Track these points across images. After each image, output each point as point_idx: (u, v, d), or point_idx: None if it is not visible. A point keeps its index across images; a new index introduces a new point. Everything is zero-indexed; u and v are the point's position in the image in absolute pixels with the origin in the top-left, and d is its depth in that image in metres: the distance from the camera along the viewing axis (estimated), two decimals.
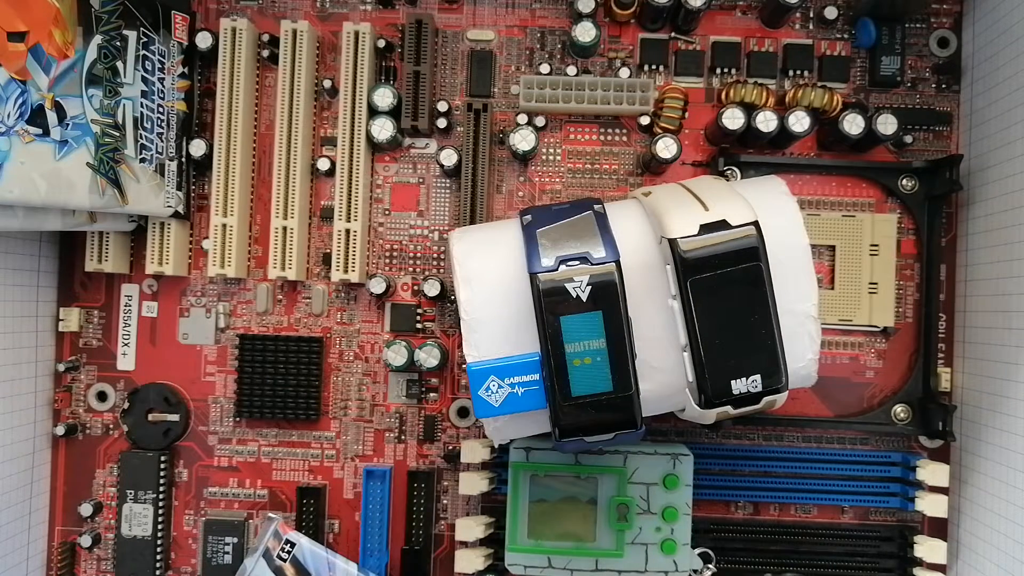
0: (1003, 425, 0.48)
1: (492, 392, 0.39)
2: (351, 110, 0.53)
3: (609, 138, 0.56)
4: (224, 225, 0.54)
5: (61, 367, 0.56)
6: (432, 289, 0.54)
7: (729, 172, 0.52)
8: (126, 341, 0.56)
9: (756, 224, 0.38)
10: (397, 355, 0.53)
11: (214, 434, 0.56)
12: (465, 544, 0.52)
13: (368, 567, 0.52)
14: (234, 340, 0.56)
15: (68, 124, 0.47)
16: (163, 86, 0.53)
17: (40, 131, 0.45)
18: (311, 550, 0.48)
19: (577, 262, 0.38)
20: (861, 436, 0.55)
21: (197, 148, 0.54)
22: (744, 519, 0.55)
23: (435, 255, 0.56)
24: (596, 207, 0.41)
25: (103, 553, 0.56)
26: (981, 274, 0.52)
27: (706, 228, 0.38)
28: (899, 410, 0.53)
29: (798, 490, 0.54)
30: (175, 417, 0.56)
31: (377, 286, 0.54)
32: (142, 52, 0.51)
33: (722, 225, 0.38)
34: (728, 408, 0.39)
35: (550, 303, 0.37)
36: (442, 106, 0.55)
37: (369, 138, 0.54)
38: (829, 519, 0.55)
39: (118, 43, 0.49)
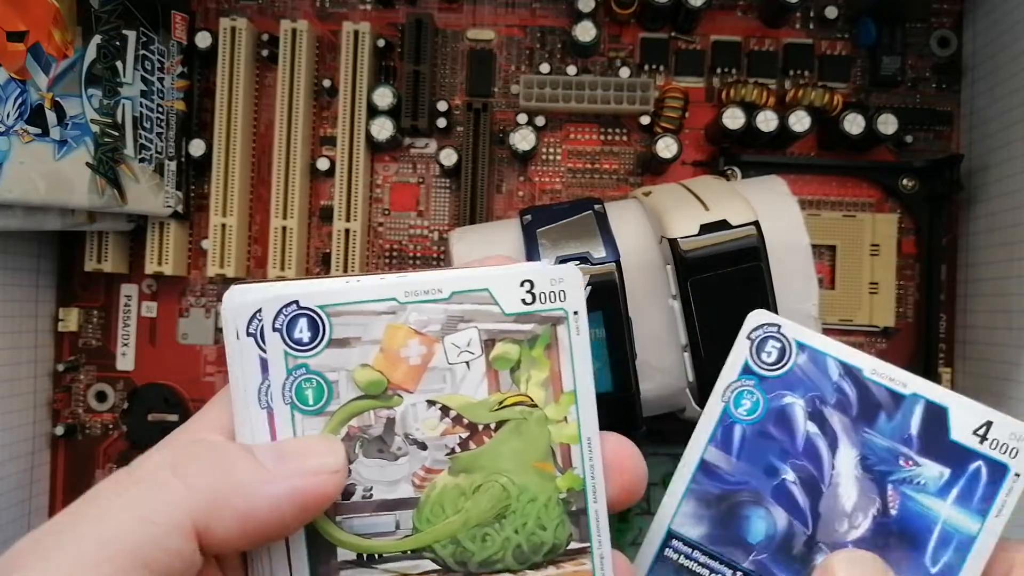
0: None
1: None
2: (351, 110, 0.53)
3: (609, 138, 0.56)
4: (223, 225, 0.53)
5: (60, 367, 0.56)
6: None
7: (730, 172, 0.52)
8: (125, 341, 0.56)
9: (756, 224, 0.38)
10: None
11: None
12: None
13: None
14: None
15: (67, 124, 0.47)
16: (162, 86, 0.53)
17: (39, 131, 0.45)
18: None
19: (577, 262, 0.38)
20: None
21: (196, 148, 0.54)
22: None
23: (435, 255, 0.56)
24: (596, 207, 0.41)
25: None
26: (982, 274, 0.52)
27: (706, 228, 0.38)
28: None
29: None
30: (174, 417, 0.55)
31: None
32: (141, 52, 0.51)
33: (722, 225, 0.38)
34: None
35: None
36: (442, 106, 0.55)
37: (369, 138, 0.54)
38: None
39: (117, 43, 0.49)
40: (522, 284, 0.25)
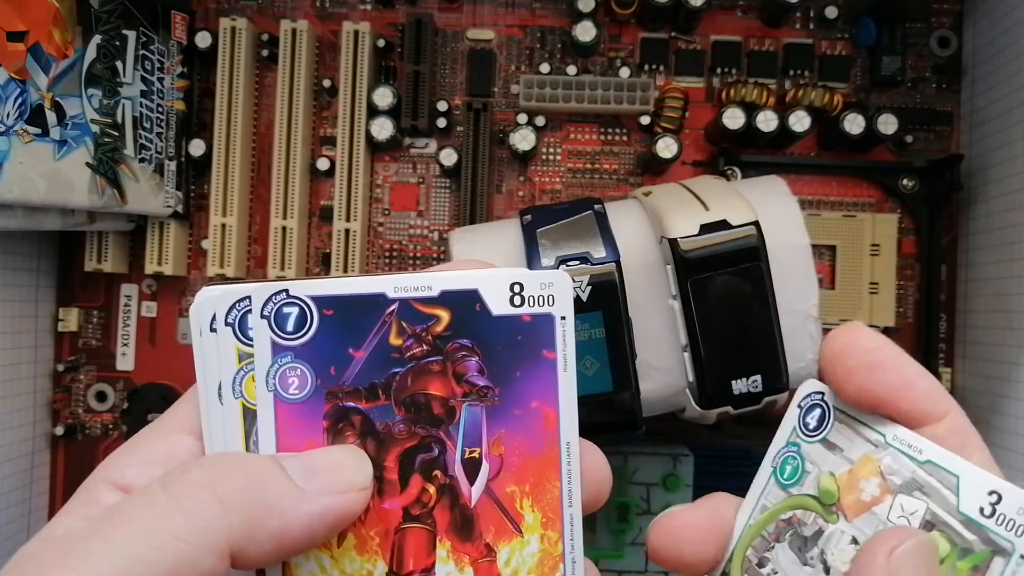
0: (1003, 425, 0.48)
1: None
2: (351, 110, 0.53)
3: (609, 138, 0.56)
4: (223, 225, 0.53)
5: (60, 367, 0.56)
6: None
7: (730, 172, 0.52)
8: (125, 341, 0.56)
9: (756, 224, 0.38)
10: None
11: None
12: None
13: None
14: None
15: (67, 124, 0.47)
16: (162, 86, 0.53)
17: (39, 131, 0.45)
18: None
19: (577, 262, 0.38)
20: None
21: (196, 148, 0.54)
22: None
23: (435, 255, 0.56)
24: (596, 207, 0.41)
25: None
26: (982, 274, 0.52)
27: (706, 228, 0.38)
28: None
29: None
30: None
31: None
32: (141, 52, 0.51)
33: (722, 225, 0.38)
34: (728, 408, 0.39)
35: None
36: (442, 106, 0.55)
37: (369, 138, 0.54)
38: None
39: (117, 43, 0.49)
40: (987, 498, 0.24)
